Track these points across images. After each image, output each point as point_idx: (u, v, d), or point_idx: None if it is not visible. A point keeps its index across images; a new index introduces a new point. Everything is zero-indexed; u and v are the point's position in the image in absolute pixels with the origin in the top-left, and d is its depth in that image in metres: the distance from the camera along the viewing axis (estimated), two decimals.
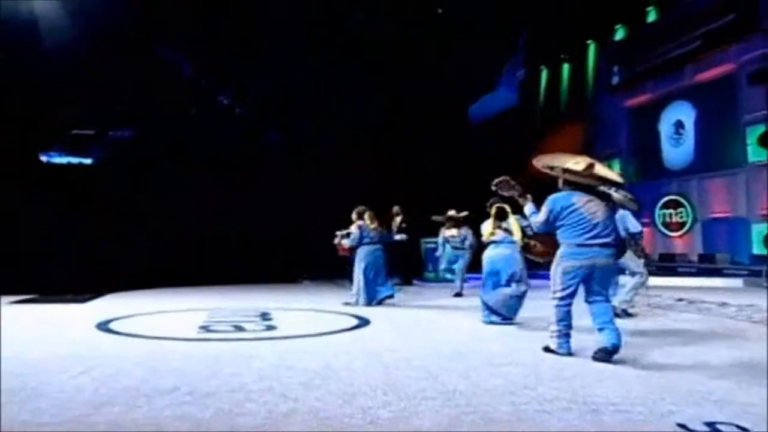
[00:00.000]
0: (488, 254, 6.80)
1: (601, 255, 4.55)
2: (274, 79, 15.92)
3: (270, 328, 6.42)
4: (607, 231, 4.60)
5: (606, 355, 4.33)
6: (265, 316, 7.41)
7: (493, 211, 6.80)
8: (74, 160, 17.42)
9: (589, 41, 17.16)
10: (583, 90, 17.19)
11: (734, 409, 3.21)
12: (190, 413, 3.23)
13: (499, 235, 6.65)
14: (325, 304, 8.86)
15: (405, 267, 13.66)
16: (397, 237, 11.68)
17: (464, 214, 10.52)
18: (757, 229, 12.43)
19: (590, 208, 4.59)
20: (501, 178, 4.86)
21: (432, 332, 6.12)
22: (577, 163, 4.63)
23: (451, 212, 10.66)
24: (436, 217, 11.07)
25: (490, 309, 6.52)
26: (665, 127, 14.20)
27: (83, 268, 11.55)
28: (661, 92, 14.12)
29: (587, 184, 4.67)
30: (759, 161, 12.18)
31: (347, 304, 8.65)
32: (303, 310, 8.21)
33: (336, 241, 9.26)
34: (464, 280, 10.64)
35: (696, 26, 13.13)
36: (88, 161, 17.35)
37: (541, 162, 4.84)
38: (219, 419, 3.14)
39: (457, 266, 10.71)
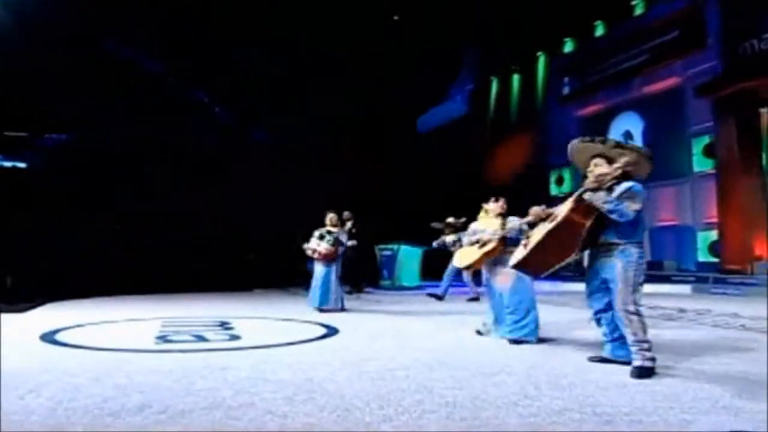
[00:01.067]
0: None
1: None
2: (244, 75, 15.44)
3: (234, 337, 6.00)
4: None
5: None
6: (224, 325, 6.97)
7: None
8: (7, 163, 16.41)
9: (539, 53, 17.39)
10: (533, 100, 17.39)
11: (746, 416, 3.07)
12: None
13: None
14: (283, 313, 8.48)
15: (358, 274, 13.39)
16: (349, 243, 11.57)
17: (463, 220, 10.55)
18: (703, 237, 12.79)
19: None
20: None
21: (407, 341, 5.84)
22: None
23: (450, 219, 10.66)
24: (435, 224, 10.95)
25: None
26: (614, 137, 14.41)
27: (20, 275, 10.75)
28: (610, 103, 14.40)
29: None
30: (704, 171, 12.55)
31: (324, 310, 8.42)
32: (263, 319, 7.80)
33: (322, 245, 8.79)
34: (446, 286, 10.67)
35: (643, 41, 13.46)
36: (22, 165, 16.37)
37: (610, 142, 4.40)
38: None
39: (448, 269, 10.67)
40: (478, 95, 19.86)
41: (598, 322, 4.43)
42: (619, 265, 4.17)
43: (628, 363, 4.18)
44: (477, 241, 5.78)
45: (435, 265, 15.04)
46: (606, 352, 4.41)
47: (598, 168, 4.28)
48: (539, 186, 16.58)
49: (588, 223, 4.29)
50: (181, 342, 5.66)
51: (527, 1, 15.19)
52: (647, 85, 13.41)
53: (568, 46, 16.26)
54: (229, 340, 5.86)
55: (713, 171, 12.28)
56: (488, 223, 5.89)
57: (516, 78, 18.54)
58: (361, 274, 13.42)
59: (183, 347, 5.37)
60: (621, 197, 4.15)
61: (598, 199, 4.20)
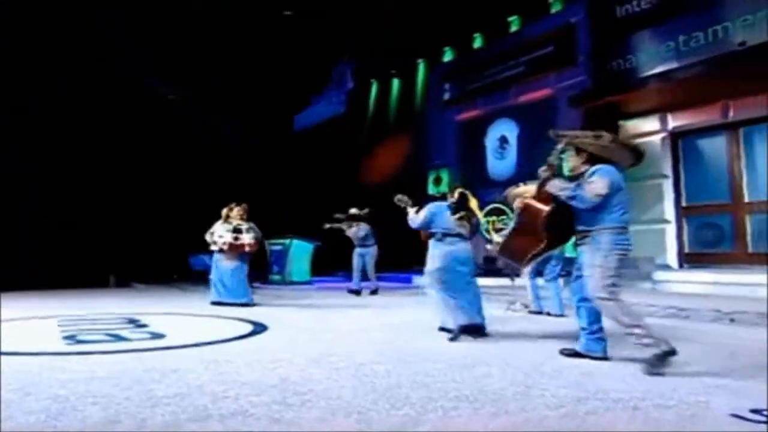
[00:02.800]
0: (447, 249, 5.20)
1: None
2: None
3: (156, 336, 5.17)
4: None
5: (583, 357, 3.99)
6: (136, 322, 6.04)
7: (455, 198, 5.35)
8: None
9: (419, 60, 17.54)
10: (413, 104, 17.50)
11: (748, 393, 3.06)
12: None
13: (466, 228, 5.23)
14: (187, 308, 7.64)
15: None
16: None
17: (366, 211, 10.13)
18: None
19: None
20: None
21: (348, 335, 5.39)
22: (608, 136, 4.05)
23: (353, 210, 10.15)
24: (338, 215, 10.34)
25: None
26: (491, 141, 14.93)
27: None
28: (488, 109, 14.80)
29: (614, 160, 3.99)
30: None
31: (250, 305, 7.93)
32: (172, 315, 6.92)
33: (246, 237, 8.22)
34: (375, 278, 10.30)
35: (520, 54, 14.00)
36: None
37: (572, 133, 4.19)
38: None
39: (366, 265, 10.20)
40: (357, 96, 19.65)
41: (578, 311, 4.13)
42: (588, 253, 3.91)
43: (602, 358, 3.94)
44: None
45: (324, 261, 14.69)
46: (579, 346, 4.08)
47: (569, 160, 4.11)
48: (417, 185, 16.68)
49: (545, 211, 4.00)
50: (98, 342, 4.76)
51: (407, 11, 15.27)
52: (523, 95, 13.95)
53: (448, 56, 16.54)
54: (153, 338, 5.03)
55: None
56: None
57: (396, 82, 18.56)
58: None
59: (105, 348, 4.50)
60: (582, 183, 3.88)
61: (554, 186, 3.96)
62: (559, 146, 4.06)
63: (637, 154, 4.04)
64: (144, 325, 5.80)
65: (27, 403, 2.89)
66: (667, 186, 11.13)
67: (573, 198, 3.87)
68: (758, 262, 9.87)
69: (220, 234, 8.13)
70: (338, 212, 10.40)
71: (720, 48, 9.83)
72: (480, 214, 5.39)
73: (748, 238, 10.16)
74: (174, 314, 6.97)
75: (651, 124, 11.59)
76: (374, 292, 10.23)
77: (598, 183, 3.81)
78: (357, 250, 10.32)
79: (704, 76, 9.89)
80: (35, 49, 12.97)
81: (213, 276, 8.29)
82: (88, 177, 14.03)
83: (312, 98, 21.34)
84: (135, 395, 3.04)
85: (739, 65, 9.47)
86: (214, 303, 7.98)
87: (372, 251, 10.22)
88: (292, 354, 4.27)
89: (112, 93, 14.51)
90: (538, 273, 7.00)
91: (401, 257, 12.99)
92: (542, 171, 4.04)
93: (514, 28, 14.57)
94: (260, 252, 13.91)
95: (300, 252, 13.15)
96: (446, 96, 16.14)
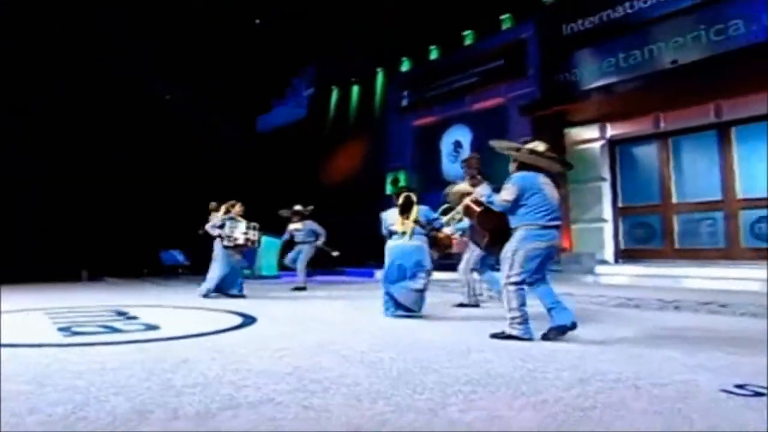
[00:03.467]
0: (393, 244, 5.71)
1: (557, 237, 4.26)
2: None
3: (150, 327, 4.90)
4: (560, 213, 4.31)
5: (560, 333, 4.08)
6: (125, 314, 5.73)
7: (400, 200, 5.72)
8: None
9: (378, 69, 17.49)
10: (372, 110, 17.43)
11: (726, 371, 3.14)
12: None
13: (407, 226, 5.61)
14: (167, 300, 7.32)
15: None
16: None
17: (310, 208, 9.76)
18: None
19: (550, 190, 4.22)
20: (473, 155, 4.43)
21: (339, 325, 5.28)
22: (538, 145, 4.30)
23: (297, 207, 9.74)
24: (282, 212, 9.92)
25: (395, 302, 5.54)
26: (446, 146, 15.01)
27: None
28: (443, 116, 14.88)
29: (540, 167, 4.28)
30: None
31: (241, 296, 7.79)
32: (158, 307, 6.60)
33: (256, 234, 8.02)
34: (308, 274, 9.68)
35: (473, 66, 14.15)
36: None
37: (501, 144, 4.40)
38: None
39: (299, 260, 9.63)
40: (318, 100, 19.43)
41: (539, 296, 4.25)
42: (504, 247, 4.22)
43: (571, 328, 4.10)
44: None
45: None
46: (551, 323, 4.16)
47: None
48: (376, 187, 16.64)
49: (477, 210, 4.46)
50: (94, 334, 4.47)
51: (368, 23, 15.23)
52: (476, 103, 14.08)
53: (406, 65, 16.56)
54: (147, 330, 4.77)
55: None
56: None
57: (355, 89, 18.43)
58: None
59: (103, 339, 4.23)
60: (501, 189, 4.27)
61: (478, 193, 4.48)
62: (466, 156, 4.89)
63: (560, 163, 4.49)
64: (134, 317, 5.50)
65: (47, 395, 2.66)
66: (606, 188, 11.46)
67: (490, 203, 4.30)
68: (683, 257, 10.34)
69: (243, 230, 7.79)
70: (283, 209, 10.00)
71: (654, 65, 10.22)
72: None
73: (675, 235, 10.58)
74: (160, 306, 6.66)
75: (592, 132, 11.90)
76: (300, 288, 9.31)
77: (509, 189, 4.18)
78: (296, 246, 9.78)
79: (640, 90, 10.25)
80: (35, 49, 12.20)
81: (220, 270, 7.77)
82: (70, 176, 13.29)
83: (274, 101, 21.03)
84: (155, 386, 2.85)
85: (670, 81, 9.87)
86: (205, 296, 7.64)
87: (307, 248, 9.62)
88: (291, 343, 4.13)
89: (111, 93, 13.82)
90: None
91: (362, 253, 12.95)
92: (473, 176, 4.71)
93: (468, 42, 14.69)
94: None
95: (268, 247, 12.83)
96: (404, 102, 16.13)
